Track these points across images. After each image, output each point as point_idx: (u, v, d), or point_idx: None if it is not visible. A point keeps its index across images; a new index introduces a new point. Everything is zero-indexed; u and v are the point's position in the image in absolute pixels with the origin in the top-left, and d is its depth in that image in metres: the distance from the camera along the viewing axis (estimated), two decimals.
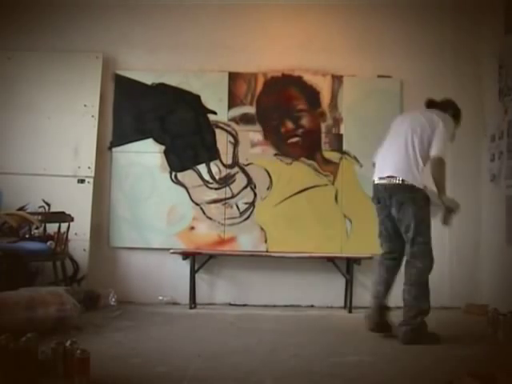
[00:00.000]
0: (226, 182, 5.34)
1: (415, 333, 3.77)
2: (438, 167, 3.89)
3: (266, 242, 5.29)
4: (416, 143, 3.90)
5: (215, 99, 5.37)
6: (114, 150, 5.38)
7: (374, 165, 4.16)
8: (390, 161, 3.98)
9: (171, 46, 5.39)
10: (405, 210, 3.89)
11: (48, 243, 4.72)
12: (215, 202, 5.33)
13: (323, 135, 5.35)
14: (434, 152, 3.88)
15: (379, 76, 5.39)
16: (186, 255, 5.17)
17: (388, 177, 3.93)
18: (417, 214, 3.88)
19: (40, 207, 5.14)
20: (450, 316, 4.85)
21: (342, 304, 5.19)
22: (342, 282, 5.21)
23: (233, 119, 5.37)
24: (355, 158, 5.31)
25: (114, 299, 4.88)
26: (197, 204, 5.33)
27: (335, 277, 5.18)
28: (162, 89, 5.39)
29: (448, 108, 4.15)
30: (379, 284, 4.04)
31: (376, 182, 4.03)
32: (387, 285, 4.02)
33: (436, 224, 5.31)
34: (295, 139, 5.37)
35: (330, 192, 5.30)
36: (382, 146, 4.12)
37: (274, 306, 5.19)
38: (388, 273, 4.05)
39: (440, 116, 3.99)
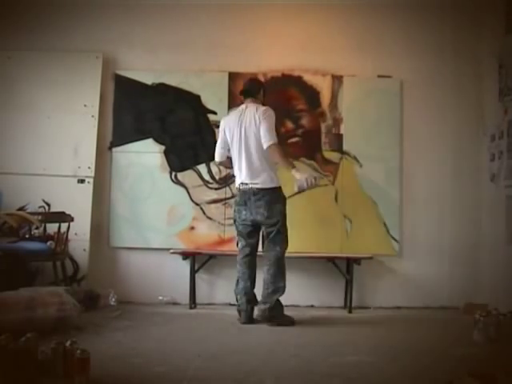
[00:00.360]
0: (225, 182, 5.34)
1: (273, 311, 4.31)
2: (278, 151, 4.32)
3: None
4: (256, 147, 4.38)
5: (215, 99, 5.37)
6: (114, 150, 5.38)
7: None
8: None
9: (171, 46, 5.39)
10: None
11: (48, 243, 4.72)
12: (215, 202, 5.33)
13: (323, 135, 5.35)
14: (267, 143, 4.30)
15: (379, 76, 5.39)
16: (186, 255, 5.17)
17: None
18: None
19: (40, 207, 5.14)
20: (450, 316, 4.86)
21: (342, 304, 5.19)
22: (342, 282, 5.20)
23: None
24: (355, 158, 5.31)
25: (114, 299, 4.87)
26: (197, 204, 5.33)
27: (335, 277, 5.18)
28: (162, 89, 5.38)
29: (260, 90, 4.61)
30: (246, 281, 4.48)
31: None
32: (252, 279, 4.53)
33: (434, 227, 5.36)
34: (295, 139, 5.37)
35: (330, 192, 5.31)
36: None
37: None
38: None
39: (257, 108, 4.42)
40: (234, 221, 4.58)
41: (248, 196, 4.41)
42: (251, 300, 4.46)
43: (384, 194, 5.32)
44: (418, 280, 5.25)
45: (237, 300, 4.52)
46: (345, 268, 5.16)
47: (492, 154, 5.08)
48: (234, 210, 4.57)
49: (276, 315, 4.34)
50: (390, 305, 5.20)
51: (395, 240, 5.27)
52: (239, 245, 4.59)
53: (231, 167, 4.63)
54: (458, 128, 5.36)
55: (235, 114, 4.55)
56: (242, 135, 4.41)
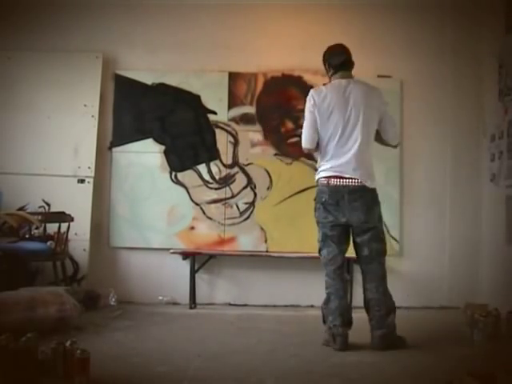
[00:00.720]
0: (226, 182, 5.34)
1: (391, 337, 3.57)
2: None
3: (266, 242, 5.29)
4: (370, 135, 3.71)
5: (215, 99, 5.37)
6: (114, 150, 5.38)
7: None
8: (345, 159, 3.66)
9: (171, 46, 5.39)
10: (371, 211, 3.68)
11: (48, 243, 4.72)
12: (215, 202, 5.33)
13: None
14: (396, 141, 3.87)
15: (379, 76, 5.38)
16: (186, 255, 5.17)
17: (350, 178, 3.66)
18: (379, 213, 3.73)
19: (40, 207, 5.14)
20: (450, 316, 4.85)
21: None
22: None
23: (233, 119, 5.37)
24: None
25: (114, 299, 4.88)
26: (197, 204, 5.33)
27: None
28: (162, 89, 5.39)
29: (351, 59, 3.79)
30: (341, 298, 3.70)
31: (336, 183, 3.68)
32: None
33: (434, 227, 5.36)
34: (295, 139, 5.35)
35: None
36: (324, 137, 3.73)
37: (274, 306, 5.20)
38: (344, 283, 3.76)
39: (371, 87, 3.73)
40: (318, 222, 3.81)
41: (342, 194, 3.63)
42: (347, 322, 3.63)
43: (384, 193, 5.27)
44: (418, 280, 5.26)
45: (324, 320, 3.74)
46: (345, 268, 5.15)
47: (492, 154, 5.08)
48: (316, 209, 3.76)
49: (394, 341, 3.58)
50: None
51: (395, 240, 5.26)
52: (325, 252, 3.81)
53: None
54: (458, 128, 5.36)
55: (333, 90, 3.68)
56: (352, 117, 3.62)
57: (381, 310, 3.59)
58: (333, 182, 3.66)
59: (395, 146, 3.90)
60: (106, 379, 2.82)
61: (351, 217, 3.64)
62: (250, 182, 5.33)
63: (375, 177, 3.77)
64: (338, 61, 3.76)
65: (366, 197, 3.64)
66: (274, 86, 5.38)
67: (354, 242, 3.75)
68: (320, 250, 3.83)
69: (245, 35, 5.40)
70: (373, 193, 3.70)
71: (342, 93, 3.66)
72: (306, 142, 3.77)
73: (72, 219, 4.81)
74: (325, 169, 3.72)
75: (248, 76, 5.38)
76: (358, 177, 3.62)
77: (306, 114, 3.74)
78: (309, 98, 3.74)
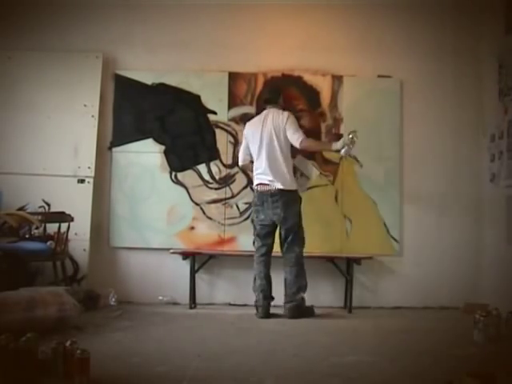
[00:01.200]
0: (225, 181, 5.35)
1: (299, 308, 4.61)
2: (311, 142, 4.74)
3: None
4: (280, 148, 4.66)
5: (215, 99, 5.37)
6: (114, 150, 5.38)
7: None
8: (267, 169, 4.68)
9: (171, 46, 5.39)
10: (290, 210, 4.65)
11: (48, 243, 4.72)
12: (215, 201, 5.33)
13: (323, 135, 5.35)
14: (298, 140, 4.61)
15: (379, 76, 5.39)
16: (185, 255, 5.17)
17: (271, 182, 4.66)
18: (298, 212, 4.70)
19: (40, 207, 5.14)
20: (450, 316, 4.86)
21: (342, 304, 5.19)
22: (342, 282, 5.21)
23: (233, 119, 5.37)
24: (355, 158, 5.31)
25: (114, 299, 4.88)
26: (197, 204, 5.33)
27: (335, 277, 5.18)
28: (162, 89, 5.39)
29: (279, 97, 4.91)
30: (262, 279, 4.72)
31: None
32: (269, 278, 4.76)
33: (435, 227, 5.36)
34: None
35: (330, 192, 5.31)
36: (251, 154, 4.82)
37: (274, 306, 5.19)
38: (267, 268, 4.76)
39: (280, 113, 4.74)
40: (252, 221, 4.85)
41: (266, 197, 4.67)
42: (267, 296, 4.69)
43: (384, 194, 5.32)
44: (418, 280, 5.25)
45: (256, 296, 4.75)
46: (345, 268, 5.16)
47: (492, 154, 5.08)
48: (252, 211, 4.87)
49: (303, 311, 4.64)
50: (390, 305, 5.20)
51: (395, 240, 5.27)
52: (255, 244, 4.81)
53: (252, 171, 4.88)
54: (457, 128, 5.37)
55: (258, 119, 4.82)
56: (265, 138, 4.69)
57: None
58: (259, 188, 4.74)
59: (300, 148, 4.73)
60: (105, 379, 2.82)
61: (273, 215, 4.68)
62: (250, 182, 5.33)
63: (293, 180, 4.74)
64: (264, 98, 5.04)
65: (284, 197, 4.63)
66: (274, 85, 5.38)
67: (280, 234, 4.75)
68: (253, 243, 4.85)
69: (244, 35, 5.41)
70: (291, 193, 4.68)
71: (261, 120, 4.76)
72: (239, 161, 4.97)
73: (72, 219, 4.81)
74: (255, 179, 4.79)
75: (248, 76, 5.38)
76: (278, 182, 4.63)
77: (243, 139, 4.94)
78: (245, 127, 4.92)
